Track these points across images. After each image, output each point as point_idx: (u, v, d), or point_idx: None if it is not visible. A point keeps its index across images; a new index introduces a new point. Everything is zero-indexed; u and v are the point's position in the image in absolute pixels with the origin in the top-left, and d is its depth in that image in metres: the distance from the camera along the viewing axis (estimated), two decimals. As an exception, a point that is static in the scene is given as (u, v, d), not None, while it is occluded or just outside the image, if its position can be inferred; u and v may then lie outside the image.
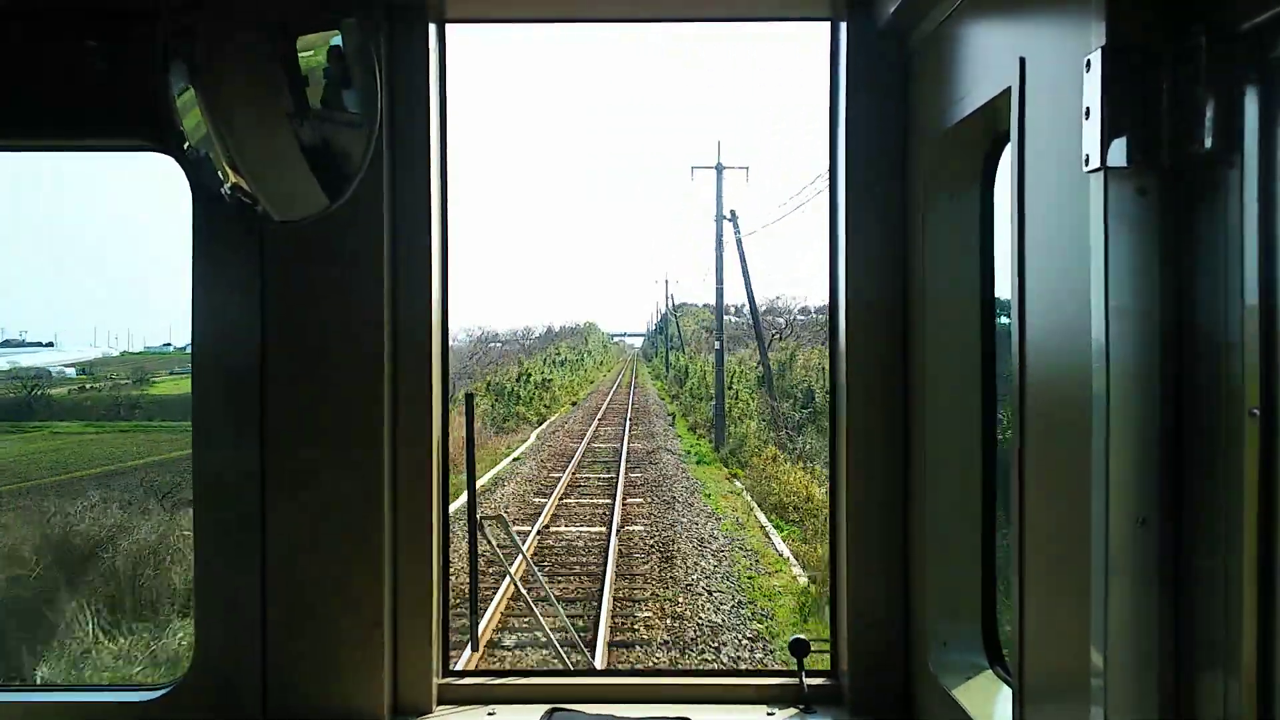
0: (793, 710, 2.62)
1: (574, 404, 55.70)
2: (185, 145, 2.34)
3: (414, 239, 2.60)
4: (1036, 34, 1.76)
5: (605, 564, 15.01)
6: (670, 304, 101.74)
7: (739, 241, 39.29)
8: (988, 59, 2.00)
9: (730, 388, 38.25)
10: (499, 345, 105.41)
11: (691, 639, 12.02)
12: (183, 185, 2.53)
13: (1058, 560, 1.65)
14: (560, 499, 21.17)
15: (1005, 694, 2.17)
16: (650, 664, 11.06)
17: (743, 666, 11.08)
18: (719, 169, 39.14)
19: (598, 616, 12.27)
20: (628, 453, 29.78)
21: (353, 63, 2.33)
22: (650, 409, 52.01)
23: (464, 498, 3.45)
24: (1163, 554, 1.41)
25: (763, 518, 20.17)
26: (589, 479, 24.86)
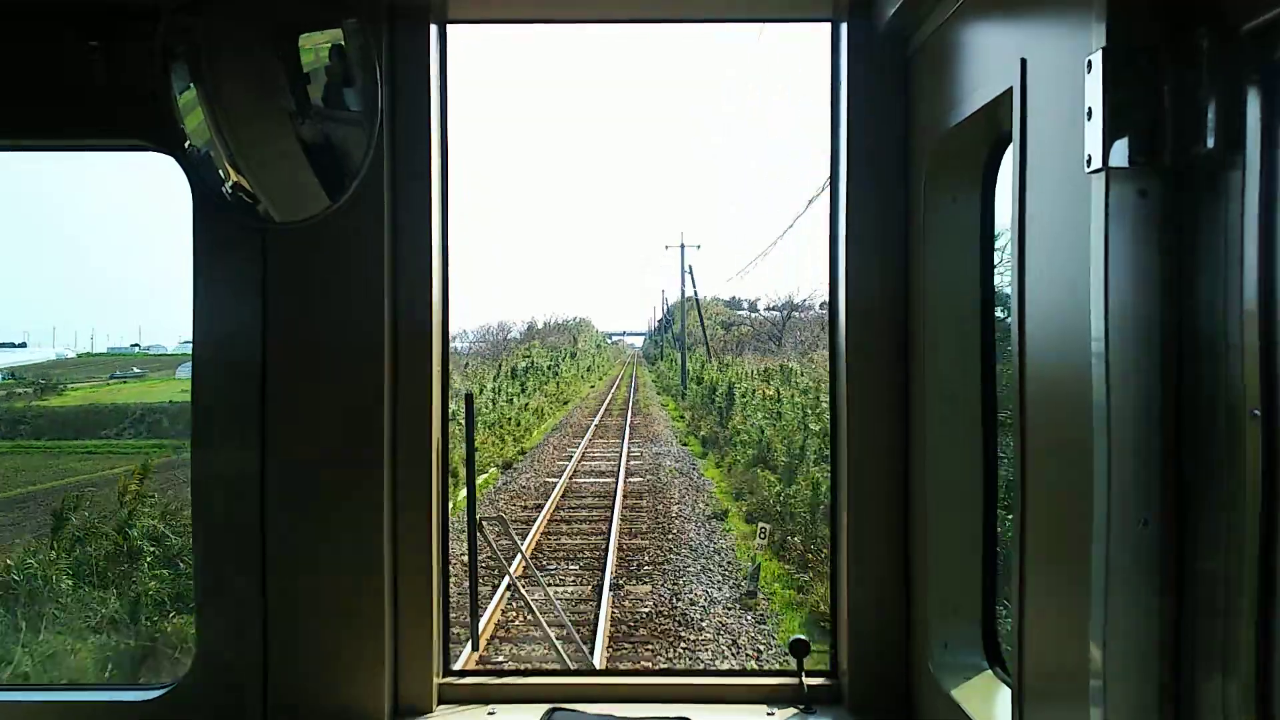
0: (793, 710, 2.62)
1: (508, 467, 25.10)
2: (186, 145, 2.34)
3: (415, 239, 2.60)
4: (1037, 35, 1.76)
5: None
6: (689, 278, 69.58)
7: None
8: (989, 60, 2.00)
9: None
10: (462, 346, 77.46)
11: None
12: (183, 185, 2.53)
13: (1058, 561, 1.65)
14: None
15: (1005, 694, 2.18)
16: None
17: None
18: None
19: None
20: None
21: (354, 62, 2.34)
22: (670, 498, 20.31)
23: (462, 493, 3.44)
24: (1164, 555, 1.41)
25: None
26: None
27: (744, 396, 32.68)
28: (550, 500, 18.98)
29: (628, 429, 34.06)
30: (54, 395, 33.88)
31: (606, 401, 49.51)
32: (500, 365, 57.67)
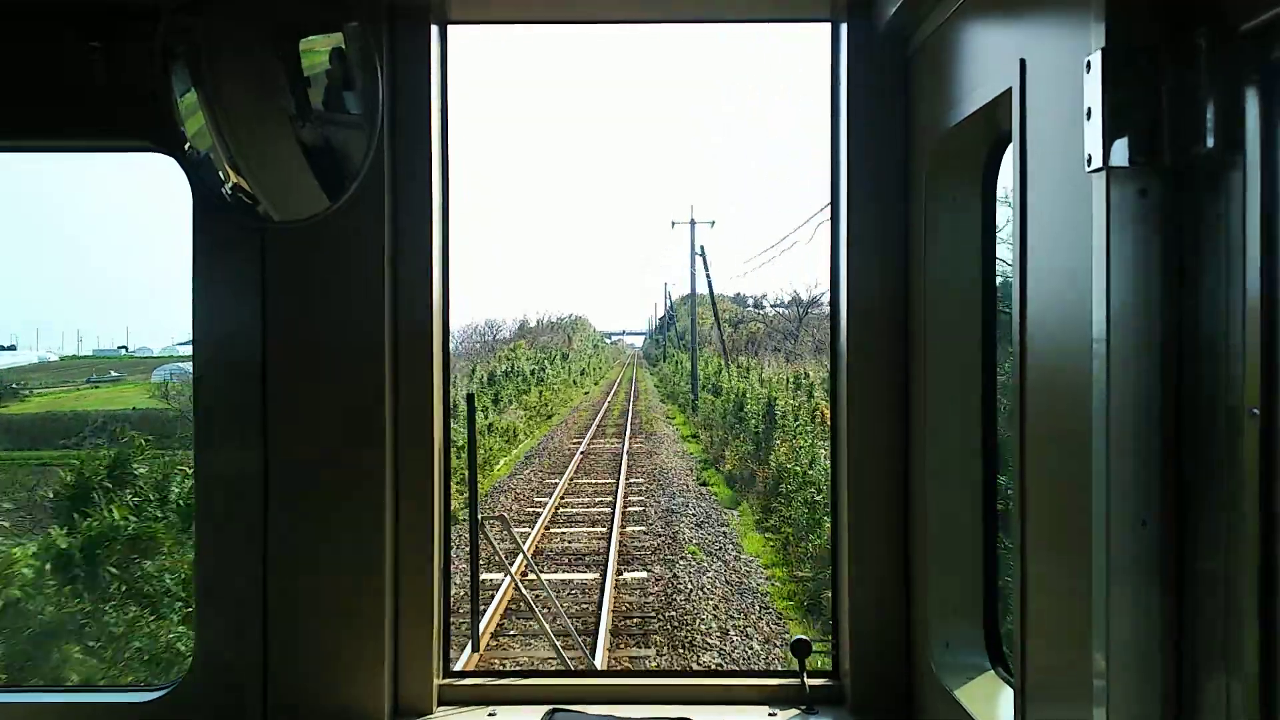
0: (795, 711, 2.62)
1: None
2: (186, 145, 2.34)
3: (415, 240, 2.60)
4: (1037, 35, 1.76)
5: None
6: (700, 260, 54.10)
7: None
8: (988, 60, 2.00)
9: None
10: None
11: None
12: (183, 185, 2.53)
13: (1059, 561, 1.66)
14: None
15: (1007, 694, 2.18)
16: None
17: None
18: None
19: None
20: None
21: (354, 64, 2.34)
22: (703, 641, 10.61)
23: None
24: (1164, 555, 1.41)
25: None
26: None
27: (785, 418, 22.02)
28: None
29: (625, 460, 24.85)
30: (14, 401, 30.56)
31: (600, 416, 39.83)
32: (474, 370, 46.32)
